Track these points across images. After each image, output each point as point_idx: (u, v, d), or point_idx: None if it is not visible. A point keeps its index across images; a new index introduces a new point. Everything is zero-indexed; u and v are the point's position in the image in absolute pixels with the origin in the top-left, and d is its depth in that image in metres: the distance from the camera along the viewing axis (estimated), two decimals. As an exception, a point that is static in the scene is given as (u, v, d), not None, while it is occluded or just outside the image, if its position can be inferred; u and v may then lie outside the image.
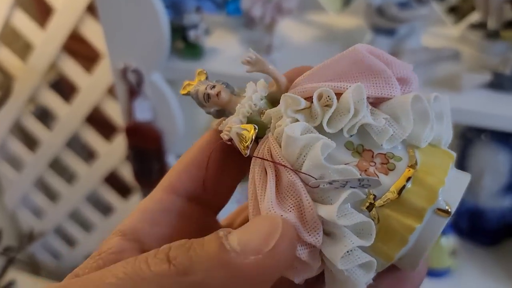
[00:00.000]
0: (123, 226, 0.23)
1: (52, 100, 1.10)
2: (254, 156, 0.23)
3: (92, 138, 1.11)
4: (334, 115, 0.22)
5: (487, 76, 0.61)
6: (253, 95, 0.25)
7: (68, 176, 1.22)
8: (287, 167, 0.21)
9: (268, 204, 0.21)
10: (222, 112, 0.26)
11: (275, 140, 0.22)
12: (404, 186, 0.21)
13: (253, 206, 0.22)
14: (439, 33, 0.77)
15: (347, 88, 0.22)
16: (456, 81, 0.61)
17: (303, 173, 0.21)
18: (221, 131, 0.24)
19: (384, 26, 0.69)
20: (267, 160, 0.22)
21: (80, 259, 1.32)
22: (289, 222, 0.20)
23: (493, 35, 0.68)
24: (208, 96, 0.25)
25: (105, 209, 1.24)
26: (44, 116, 1.17)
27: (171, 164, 0.76)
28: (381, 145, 0.22)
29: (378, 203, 0.21)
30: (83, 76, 1.03)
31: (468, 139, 0.76)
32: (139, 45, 0.70)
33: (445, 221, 0.21)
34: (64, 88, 1.14)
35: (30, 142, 1.20)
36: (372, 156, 0.22)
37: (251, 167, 0.23)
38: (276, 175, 0.22)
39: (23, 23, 1.02)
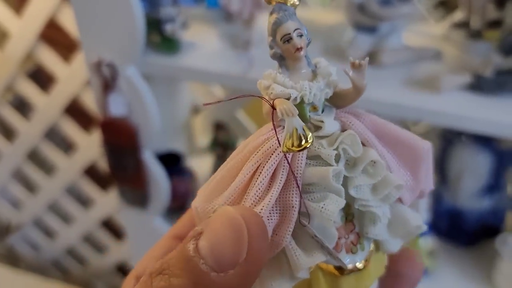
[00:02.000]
0: (136, 271, 0.25)
1: (29, 90, 1.08)
2: (286, 152, 0.20)
3: (71, 129, 1.09)
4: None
5: (467, 77, 0.60)
6: (321, 92, 0.22)
7: (46, 167, 1.20)
8: (300, 194, 0.21)
9: (262, 208, 0.20)
10: (281, 60, 0.22)
11: (305, 155, 0.21)
12: (344, 271, 0.22)
13: (234, 192, 0.21)
14: (422, 31, 0.76)
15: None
16: (436, 82, 0.60)
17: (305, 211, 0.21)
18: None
19: (365, 24, 0.67)
20: (293, 175, 0.21)
21: (60, 251, 1.31)
22: (251, 215, 0.19)
23: (476, 35, 0.67)
24: (289, 39, 0.21)
25: (85, 201, 1.22)
26: (22, 106, 1.14)
27: (146, 161, 0.75)
28: (366, 232, 0.22)
29: (324, 265, 0.22)
30: (61, 66, 1.01)
31: (448, 140, 0.75)
32: (113, 38, 0.67)
33: None
34: (42, 78, 1.11)
35: (7, 132, 1.17)
36: (351, 231, 0.22)
37: (263, 155, 0.21)
38: (283, 186, 0.21)
39: (-1, 10, 0.99)
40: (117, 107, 0.71)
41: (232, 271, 0.17)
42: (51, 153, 1.15)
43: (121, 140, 0.73)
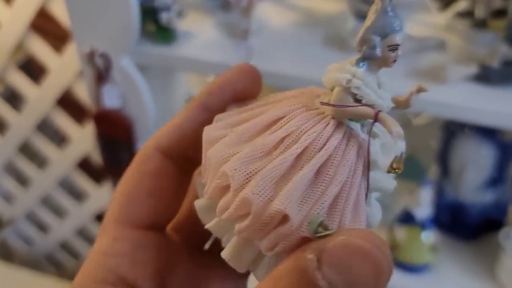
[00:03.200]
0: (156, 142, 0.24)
1: (20, 81, 1.05)
2: (390, 172, 0.19)
3: (64, 122, 1.07)
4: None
5: (473, 68, 0.58)
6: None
7: (39, 160, 1.18)
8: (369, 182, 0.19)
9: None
10: (368, 60, 0.20)
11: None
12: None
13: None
14: (425, 21, 0.74)
15: None
16: (441, 72, 0.58)
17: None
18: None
19: (367, 13, 0.65)
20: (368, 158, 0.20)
21: (53, 245, 1.29)
22: (384, 246, 0.17)
23: (481, 25, 0.65)
24: (395, 49, 0.19)
25: (78, 195, 1.20)
26: (13, 98, 1.12)
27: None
28: None
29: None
30: (53, 57, 0.98)
31: (451, 132, 0.74)
32: (107, 27, 0.65)
33: None
34: (34, 69, 1.08)
35: (-2, 125, 1.15)
36: None
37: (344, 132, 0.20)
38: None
39: (-13, -1, 0.96)
40: (111, 99, 0.69)
41: None
42: (44, 146, 1.12)
43: (115, 133, 0.71)
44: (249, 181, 0.19)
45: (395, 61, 0.20)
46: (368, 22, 0.20)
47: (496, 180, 0.73)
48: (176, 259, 0.24)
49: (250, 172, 0.19)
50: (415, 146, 0.86)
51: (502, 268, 0.71)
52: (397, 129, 0.19)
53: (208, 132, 0.21)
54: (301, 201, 0.18)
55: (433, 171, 0.83)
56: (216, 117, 0.22)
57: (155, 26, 0.67)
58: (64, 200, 1.20)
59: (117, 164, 0.73)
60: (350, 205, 0.19)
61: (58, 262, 1.33)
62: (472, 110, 0.56)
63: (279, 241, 0.18)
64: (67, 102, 1.05)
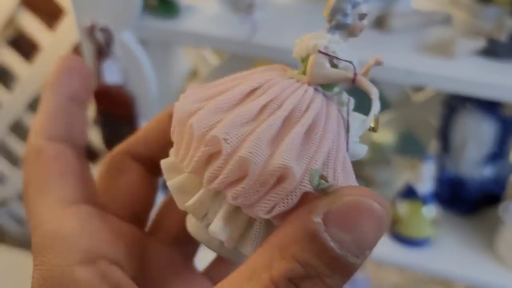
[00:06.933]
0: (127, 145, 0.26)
1: (11, 59, 1.02)
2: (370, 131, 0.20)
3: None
4: None
5: (481, 42, 0.58)
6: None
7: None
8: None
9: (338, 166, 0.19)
10: (340, 29, 0.21)
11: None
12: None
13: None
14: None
15: None
16: (449, 47, 0.58)
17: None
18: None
19: (373, -14, 0.64)
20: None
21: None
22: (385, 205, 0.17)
23: (486, -1, 0.65)
24: (363, 19, 0.20)
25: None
26: (3, 76, 1.09)
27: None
28: None
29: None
30: (45, 34, 0.95)
31: (452, 107, 0.74)
32: (108, 0, 0.63)
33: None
34: (24, 46, 1.05)
35: (-11, 104, 1.12)
36: None
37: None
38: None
39: (-24, -28, 0.93)
40: (112, 75, 0.67)
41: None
42: (36, 125, 1.10)
43: (116, 109, 0.69)
44: (242, 143, 0.18)
45: (361, 30, 0.21)
46: None
47: (496, 155, 0.74)
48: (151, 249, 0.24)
49: (243, 134, 0.18)
50: (414, 123, 0.86)
51: (501, 241, 0.72)
52: (374, 90, 0.20)
53: (180, 107, 0.20)
54: (298, 157, 0.18)
55: (433, 147, 0.84)
56: (182, 96, 0.21)
57: (158, 0, 0.65)
58: (57, 180, 1.18)
59: (117, 141, 0.72)
60: (340, 163, 0.19)
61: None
62: (480, 84, 0.56)
63: (279, 201, 0.18)
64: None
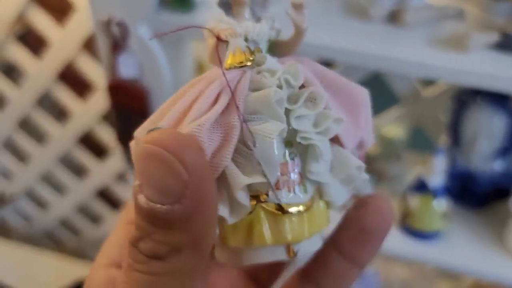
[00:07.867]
0: (100, 262, 0.24)
1: (20, 54, 1.03)
2: (228, 68, 0.22)
3: (65, 96, 1.05)
4: (311, 116, 0.22)
5: (494, 36, 0.59)
6: (265, 32, 0.23)
7: (39, 136, 1.16)
8: (243, 117, 0.20)
9: (204, 121, 0.20)
10: (227, 9, 0.24)
11: (248, 81, 0.21)
12: (284, 210, 0.21)
13: (174, 116, 0.21)
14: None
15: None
16: (463, 41, 0.59)
17: (250, 132, 0.20)
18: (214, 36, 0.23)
19: (386, -19, 0.65)
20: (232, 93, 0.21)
21: (53, 223, 1.28)
22: (172, 137, 0.18)
23: (498, -6, 0.66)
24: None
25: (80, 171, 1.19)
26: (12, 72, 1.09)
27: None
28: (309, 171, 0.22)
29: (264, 204, 0.21)
30: (54, 29, 0.96)
31: (463, 102, 0.75)
32: (124, -6, 0.64)
33: (282, 257, 0.22)
34: (32, 41, 1.05)
35: (-3, 99, 1.12)
36: (293, 170, 0.22)
37: (206, 82, 0.22)
38: (226, 109, 0.21)
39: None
40: (127, 69, 0.68)
41: (188, 191, 0.17)
42: (44, 121, 1.10)
43: (131, 103, 0.70)
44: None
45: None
46: None
47: (506, 149, 0.74)
48: None
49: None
50: (424, 118, 0.87)
51: (511, 235, 0.73)
52: (225, 32, 0.23)
53: (139, 133, 0.22)
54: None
55: (442, 141, 0.84)
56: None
57: (173, -6, 0.66)
58: (64, 176, 1.19)
59: (131, 135, 0.72)
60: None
61: (57, 239, 1.32)
62: (493, 77, 0.56)
63: None
64: (69, 76, 1.03)
